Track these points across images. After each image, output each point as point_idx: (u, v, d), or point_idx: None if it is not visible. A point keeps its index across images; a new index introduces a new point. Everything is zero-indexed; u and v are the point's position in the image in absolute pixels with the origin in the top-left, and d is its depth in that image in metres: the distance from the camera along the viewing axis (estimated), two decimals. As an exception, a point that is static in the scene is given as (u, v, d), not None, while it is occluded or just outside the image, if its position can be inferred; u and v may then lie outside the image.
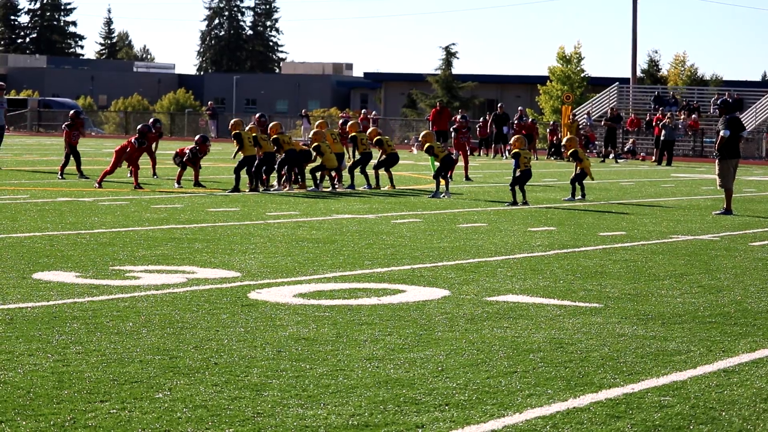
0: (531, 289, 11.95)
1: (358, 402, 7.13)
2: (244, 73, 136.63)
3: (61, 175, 27.91)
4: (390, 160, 27.42)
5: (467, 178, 31.74)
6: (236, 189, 24.92)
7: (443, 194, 24.95)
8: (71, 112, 29.55)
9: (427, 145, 25.79)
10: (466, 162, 32.74)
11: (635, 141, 56.42)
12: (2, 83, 32.57)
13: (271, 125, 26.42)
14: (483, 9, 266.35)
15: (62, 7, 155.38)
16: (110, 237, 15.77)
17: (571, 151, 25.61)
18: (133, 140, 25.65)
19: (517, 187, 23.36)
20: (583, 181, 25.45)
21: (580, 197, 25.12)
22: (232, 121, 26.08)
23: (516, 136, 24.74)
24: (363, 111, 57.98)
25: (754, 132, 56.73)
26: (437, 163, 25.42)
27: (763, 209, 24.11)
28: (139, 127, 26.77)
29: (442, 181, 25.15)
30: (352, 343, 8.88)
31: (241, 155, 25.27)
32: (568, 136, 32.22)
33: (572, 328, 9.78)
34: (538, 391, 7.51)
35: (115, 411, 6.78)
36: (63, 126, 28.87)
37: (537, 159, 49.65)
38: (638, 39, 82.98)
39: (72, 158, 28.36)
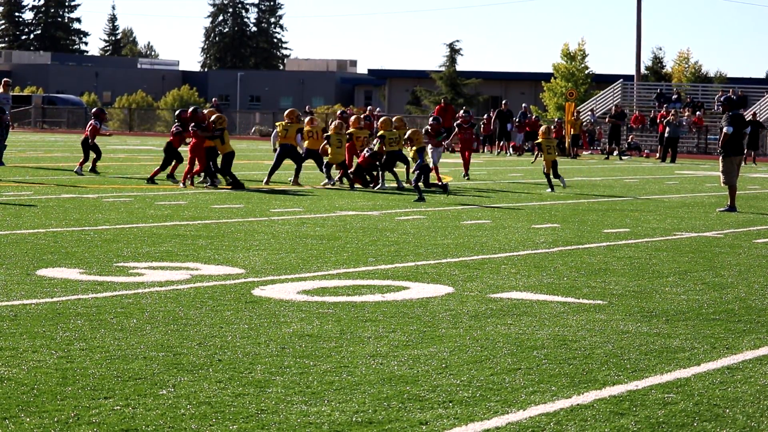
0: (535, 286, 11.95)
1: (362, 399, 7.13)
2: (249, 70, 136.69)
3: (81, 170, 28.32)
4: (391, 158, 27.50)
5: (466, 176, 31.51)
6: (239, 185, 24.89)
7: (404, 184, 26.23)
8: (94, 109, 30.50)
9: (418, 147, 25.52)
10: (469, 159, 32.46)
11: (634, 137, 56.40)
12: (8, 79, 32.54)
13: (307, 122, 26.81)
14: (487, 6, 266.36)
15: (66, 4, 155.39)
16: (114, 234, 15.78)
17: (536, 142, 27.28)
18: (93, 122, 26.85)
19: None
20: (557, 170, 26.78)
21: (561, 186, 26.86)
22: (213, 117, 25.18)
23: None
24: (368, 108, 57.92)
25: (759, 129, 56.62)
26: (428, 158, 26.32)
27: (767, 206, 24.10)
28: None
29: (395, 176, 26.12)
30: (356, 340, 8.88)
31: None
32: (572, 132, 32.31)
33: (576, 325, 9.78)
34: (541, 388, 7.50)
35: (118, 407, 6.78)
36: (92, 122, 29.36)
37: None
38: (642, 36, 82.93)
39: (92, 153, 28.98)
